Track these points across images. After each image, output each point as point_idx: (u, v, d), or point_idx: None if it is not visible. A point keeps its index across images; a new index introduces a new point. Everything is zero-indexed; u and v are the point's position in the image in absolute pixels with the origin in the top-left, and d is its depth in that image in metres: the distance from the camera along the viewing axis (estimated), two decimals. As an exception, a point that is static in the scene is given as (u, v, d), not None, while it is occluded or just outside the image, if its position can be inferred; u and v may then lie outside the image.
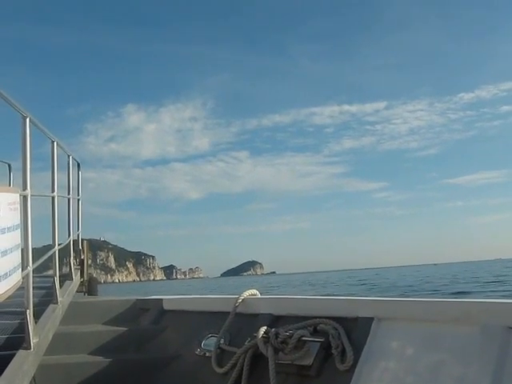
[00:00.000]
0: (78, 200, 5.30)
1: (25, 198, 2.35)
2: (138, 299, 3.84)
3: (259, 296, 2.97)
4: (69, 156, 4.55)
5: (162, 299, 3.66)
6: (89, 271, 5.21)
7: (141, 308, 3.73)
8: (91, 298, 4.64)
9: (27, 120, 2.39)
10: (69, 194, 4.67)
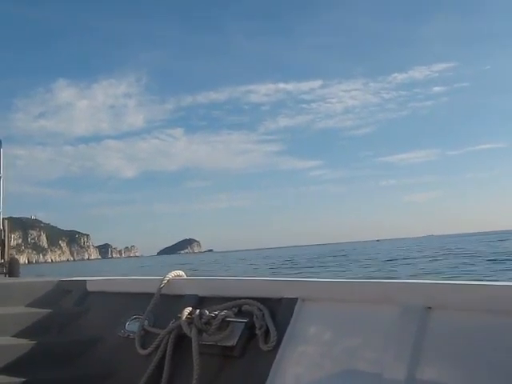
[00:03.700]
0: (0, 178, 5.06)
1: None
2: (60, 280, 3.70)
3: (185, 277, 2.92)
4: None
5: (85, 280, 3.54)
6: (9, 252, 5.00)
7: (64, 289, 3.59)
8: (12, 280, 4.44)
9: None
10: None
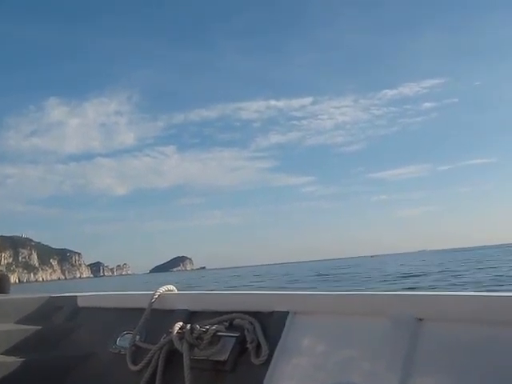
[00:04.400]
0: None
1: None
2: (51, 296, 3.66)
3: (176, 292, 2.91)
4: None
5: (76, 296, 3.51)
6: (0, 269, 4.96)
7: (54, 306, 3.56)
8: (1, 296, 4.39)
9: None
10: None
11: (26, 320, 3.43)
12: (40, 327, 3.28)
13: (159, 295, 2.80)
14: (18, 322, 3.40)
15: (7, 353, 3.03)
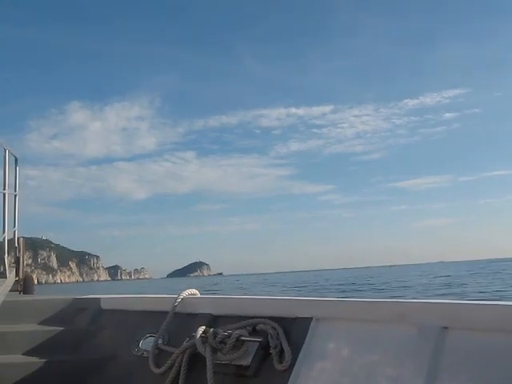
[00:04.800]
0: (15, 196, 5.11)
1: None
2: (75, 298, 3.71)
3: (199, 295, 2.93)
4: (5, 150, 4.38)
5: (99, 298, 3.55)
6: (25, 269, 5.03)
7: (78, 307, 3.61)
8: (26, 297, 4.46)
9: None
10: (4, 189, 4.50)
11: (49, 321, 3.48)
12: (63, 329, 3.32)
13: (182, 299, 2.83)
14: (41, 323, 3.45)
15: (30, 353, 3.08)
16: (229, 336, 2.33)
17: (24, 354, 3.06)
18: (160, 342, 2.77)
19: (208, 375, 2.27)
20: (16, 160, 5.16)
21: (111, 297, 3.63)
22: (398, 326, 1.92)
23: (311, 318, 2.23)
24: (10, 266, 4.49)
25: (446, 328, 1.77)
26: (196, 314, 2.74)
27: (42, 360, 2.94)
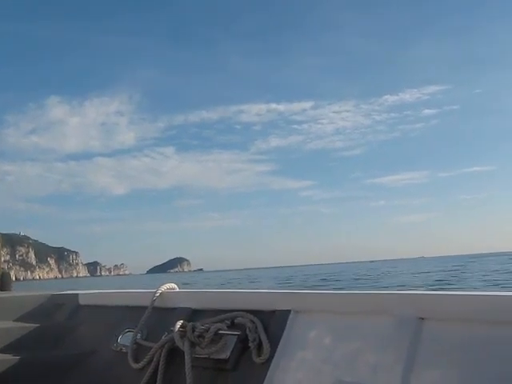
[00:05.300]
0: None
1: None
2: (52, 294, 3.67)
3: (177, 290, 2.92)
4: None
5: (77, 294, 3.51)
6: (1, 266, 4.95)
7: (56, 303, 3.57)
8: (3, 294, 4.40)
9: None
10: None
11: (27, 318, 3.44)
12: (41, 325, 3.28)
13: (161, 293, 2.81)
14: (18, 320, 3.41)
15: (8, 350, 3.04)
16: (207, 330, 2.32)
17: (1, 351, 3.02)
18: (139, 336, 2.75)
19: (186, 369, 2.27)
20: None
21: (89, 292, 3.61)
22: (376, 317, 1.93)
23: (290, 311, 2.23)
24: (-14, 262, 4.41)
25: (423, 319, 1.79)
26: (175, 309, 2.73)
27: (20, 357, 2.91)
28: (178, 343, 2.38)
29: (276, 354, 2.14)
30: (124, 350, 2.78)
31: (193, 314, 2.63)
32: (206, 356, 2.32)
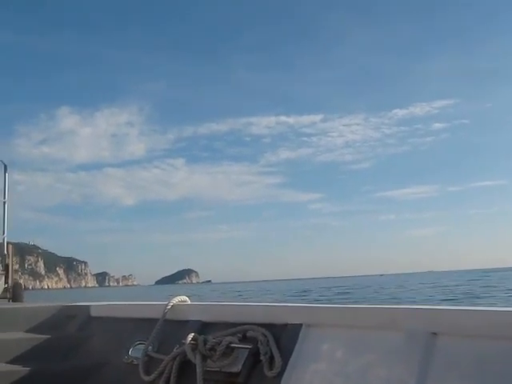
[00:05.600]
0: (4, 203, 5.10)
1: None
2: (64, 305, 3.69)
3: (189, 302, 2.92)
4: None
5: (89, 306, 3.53)
6: (14, 277, 5.00)
7: (67, 315, 3.58)
8: (15, 305, 4.43)
9: None
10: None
11: (38, 329, 3.45)
12: (52, 336, 3.29)
13: (172, 306, 2.82)
14: (30, 331, 3.42)
15: (19, 361, 3.04)
16: (219, 343, 2.33)
17: (13, 362, 3.03)
18: (150, 349, 2.75)
19: (198, 382, 2.27)
20: (5, 167, 5.16)
21: (101, 304, 3.62)
22: (388, 332, 1.93)
23: (301, 325, 2.23)
24: (-2, 272, 4.47)
25: (436, 334, 1.78)
26: (186, 321, 2.74)
27: (31, 368, 2.92)
28: (190, 356, 2.39)
29: (287, 368, 2.14)
30: (135, 362, 2.79)
31: (204, 327, 2.63)
32: (218, 369, 2.32)
